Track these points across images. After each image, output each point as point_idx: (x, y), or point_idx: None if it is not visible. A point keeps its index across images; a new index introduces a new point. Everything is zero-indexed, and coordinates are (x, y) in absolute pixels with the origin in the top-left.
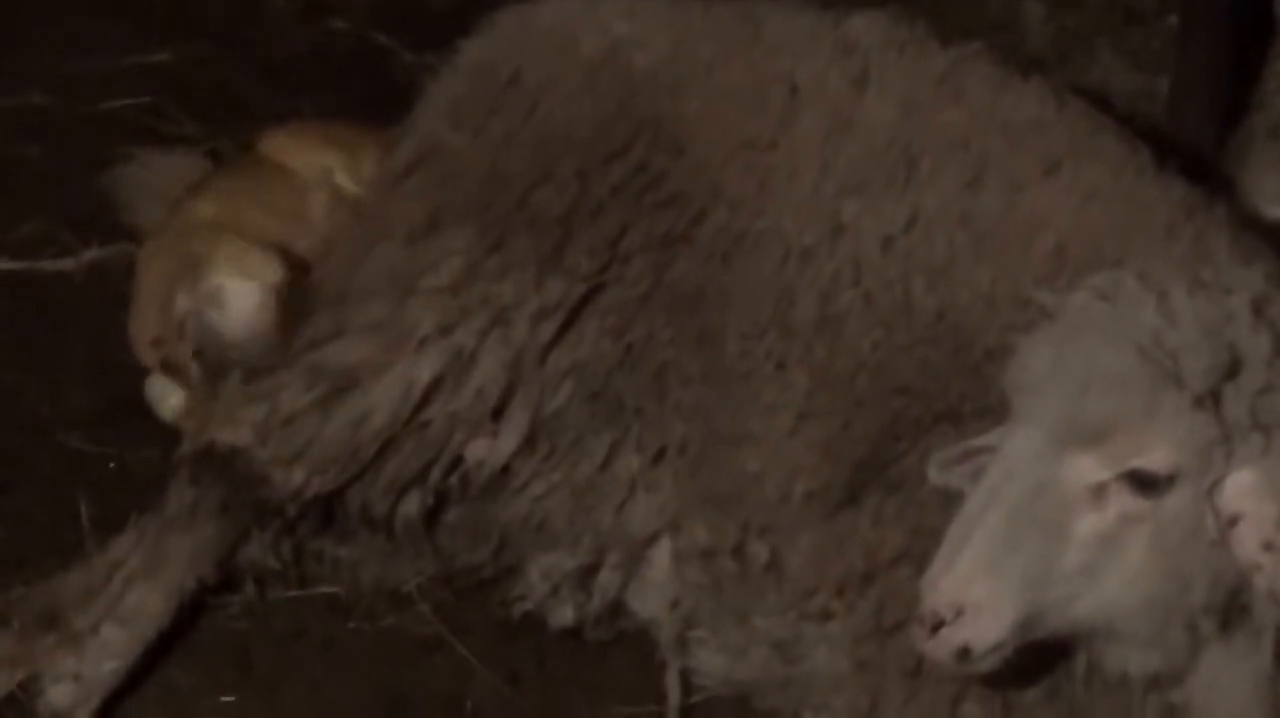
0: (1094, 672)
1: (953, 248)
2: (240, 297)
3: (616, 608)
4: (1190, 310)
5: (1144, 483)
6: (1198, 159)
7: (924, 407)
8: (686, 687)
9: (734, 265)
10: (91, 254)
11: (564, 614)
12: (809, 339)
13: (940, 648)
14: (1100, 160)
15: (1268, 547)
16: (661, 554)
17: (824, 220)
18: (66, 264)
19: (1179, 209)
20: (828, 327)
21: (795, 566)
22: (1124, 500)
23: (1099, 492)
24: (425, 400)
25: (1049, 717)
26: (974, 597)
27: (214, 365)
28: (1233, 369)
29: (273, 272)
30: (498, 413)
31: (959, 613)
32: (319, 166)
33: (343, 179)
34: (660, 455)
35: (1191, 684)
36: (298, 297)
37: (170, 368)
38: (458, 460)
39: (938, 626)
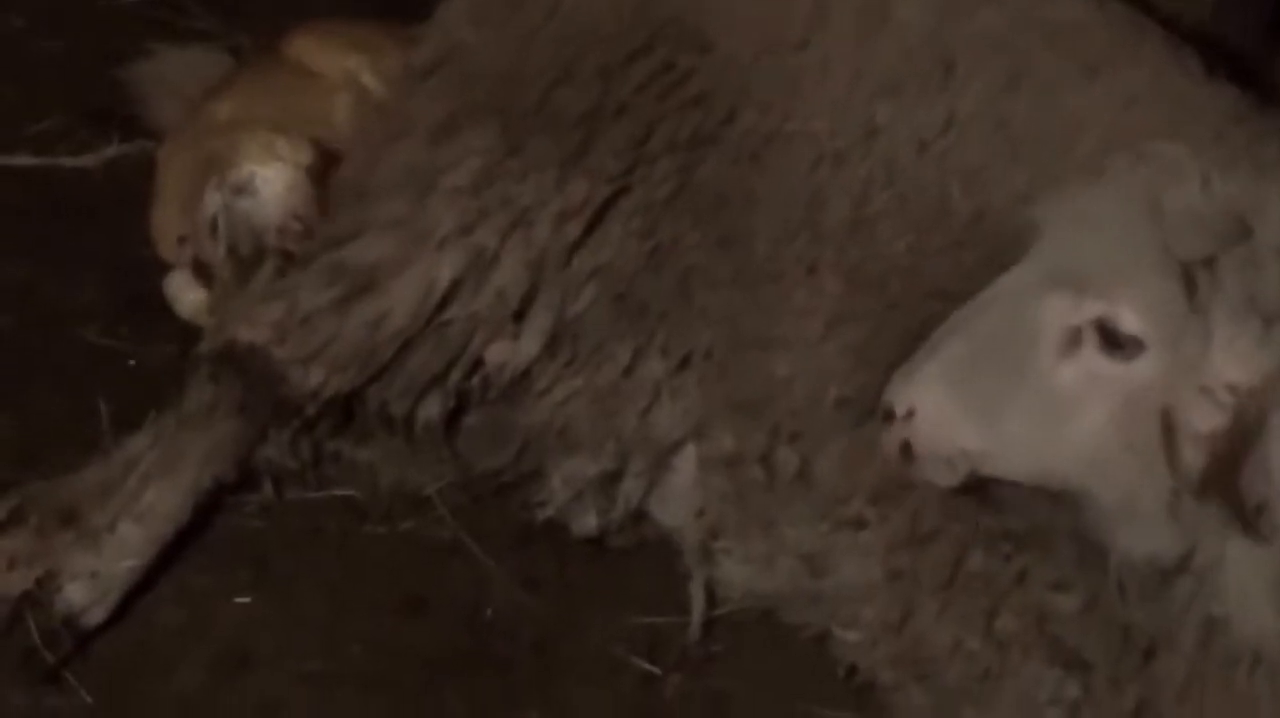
0: (1128, 580)
1: (989, 151)
2: (272, 181)
3: (639, 516)
4: (1223, 191)
5: (1110, 340)
6: (1246, 66)
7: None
8: (710, 599)
9: (763, 167)
10: (111, 151)
11: (586, 521)
12: (841, 242)
13: (887, 441)
14: (1143, 64)
15: None
16: (686, 461)
17: (857, 123)
18: (86, 160)
19: (1227, 115)
20: (860, 230)
21: (825, 473)
22: (1093, 357)
23: (1072, 339)
24: (445, 301)
25: (1087, 627)
26: (925, 401)
27: (249, 261)
28: (1233, 247)
29: (304, 154)
30: (519, 315)
31: (909, 413)
32: (343, 69)
33: (369, 80)
34: (686, 361)
35: (1226, 593)
36: (327, 186)
37: (200, 269)
38: (478, 363)
39: (889, 419)
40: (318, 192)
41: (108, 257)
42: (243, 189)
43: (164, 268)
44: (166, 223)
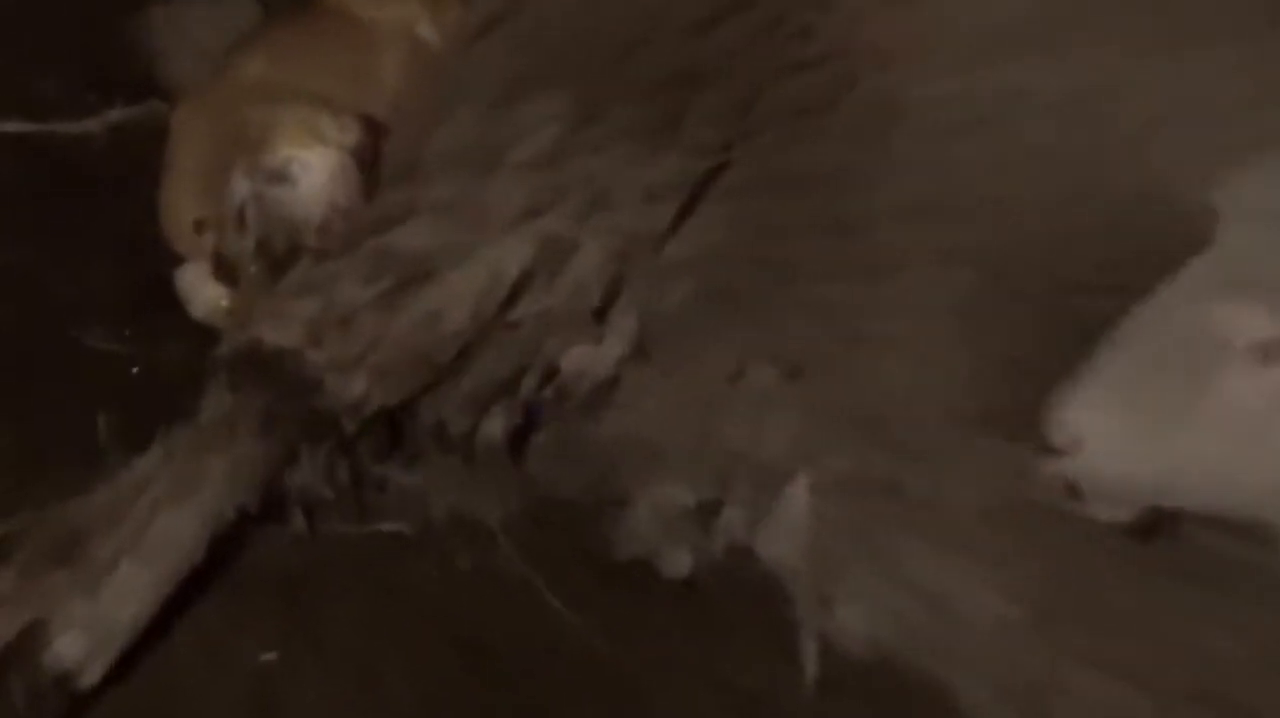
0: None
1: (1155, 119)
2: (312, 167)
3: (741, 554)
4: None
5: None
6: None
7: (1114, 306)
8: (823, 650)
9: (885, 140)
10: (115, 115)
11: (678, 559)
12: (975, 227)
13: (1049, 476)
14: None
15: None
16: (797, 489)
17: (994, 87)
18: (87, 126)
19: None
20: (998, 211)
21: (959, 500)
22: None
23: (1267, 351)
24: (513, 296)
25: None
26: (1093, 429)
27: (283, 260)
28: None
29: (348, 134)
30: (601, 313)
31: (1074, 443)
32: (395, 18)
33: (425, 33)
34: (796, 367)
35: None
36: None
37: (223, 266)
38: (552, 371)
39: (1050, 450)
40: (366, 176)
41: (109, 241)
42: (278, 176)
43: (175, 257)
44: (181, 204)
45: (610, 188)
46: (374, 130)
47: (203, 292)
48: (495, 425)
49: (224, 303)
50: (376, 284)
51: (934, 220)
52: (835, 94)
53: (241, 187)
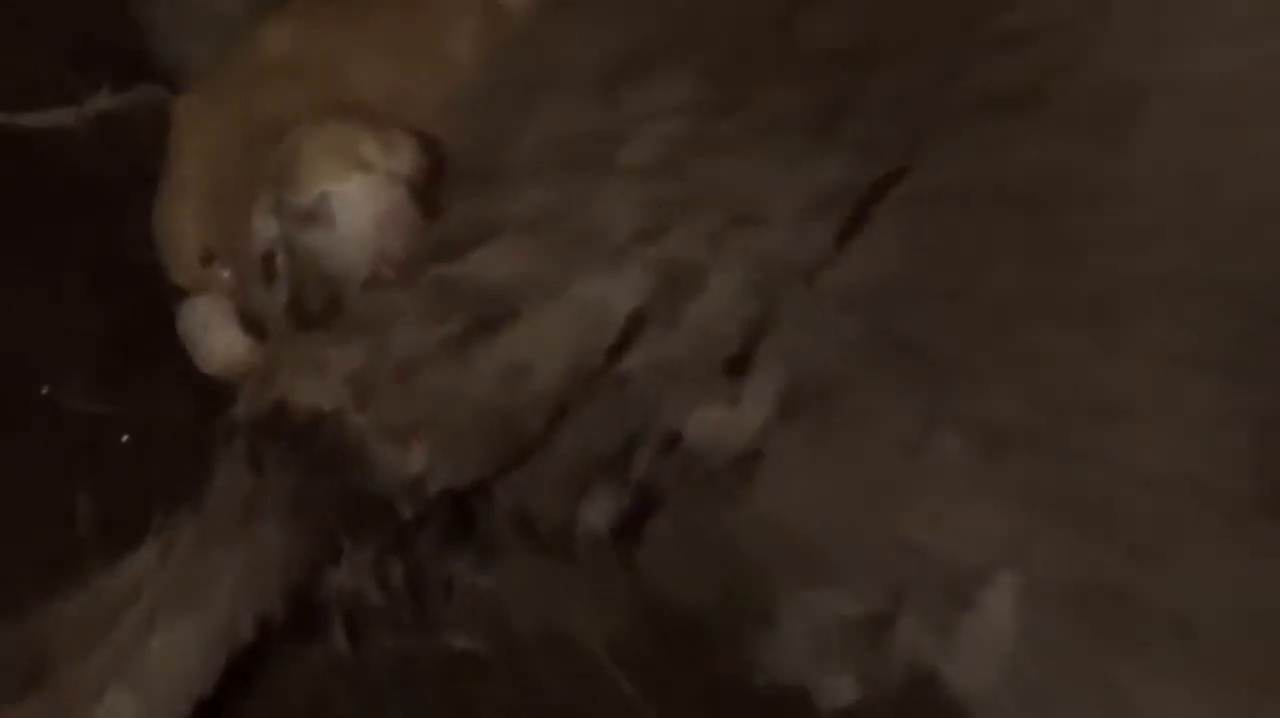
0: None
1: None
2: (355, 204)
3: (922, 680)
4: None
5: None
6: None
7: None
8: None
9: (1118, 136)
10: (99, 103)
11: (839, 688)
12: (1237, 254)
13: None
14: None
15: None
16: (998, 597)
17: (1265, 69)
18: (63, 116)
19: None
20: (1273, 231)
21: (1218, 616)
22: None
23: None
24: (623, 343)
25: None
26: None
27: (321, 316)
28: None
29: (404, 156)
30: (739, 365)
31: None
32: None
33: None
34: (996, 437)
35: None
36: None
37: (249, 321)
38: (673, 439)
39: None
40: (426, 203)
41: (91, 268)
42: (312, 217)
43: (177, 288)
44: (184, 224)
45: (752, 199)
46: (433, 146)
47: (213, 336)
48: (598, 513)
49: (241, 351)
50: (443, 326)
51: (1184, 243)
52: (1046, 80)
53: (267, 227)
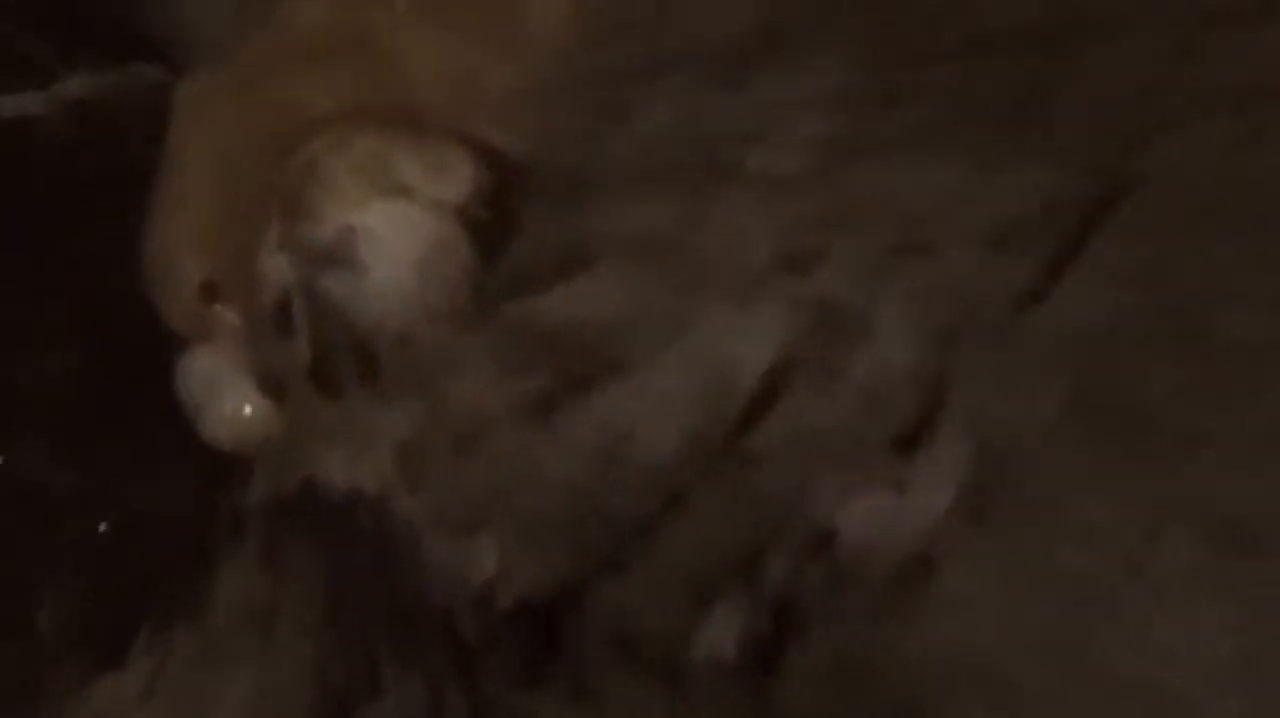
0: None
1: None
2: (389, 241)
3: None
4: None
5: None
6: None
7: None
8: None
9: None
10: (77, 85)
11: None
12: None
13: None
14: None
15: None
16: None
17: None
18: (29, 103)
19: None
20: None
21: None
22: None
23: None
24: (757, 409)
25: None
26: None
27: (349, 379)
28: None
29: (455, 178)
30: (909, 439)
31: None
32: None
33: None
34: (1246, 536)
35: None
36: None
37: (267, 377)
38: (822, 538)
39: None
40: (490, 230)
41: (59, 294)
42: (333, 257)
43: (173, 335)
44: (182, 249)
45: (926, 221)
46: (499, 160)
47: (220, 396)
48: (722, 632)
49: (256, 416)
50: (519, 384)
51: None
52: None
53: (279, 268)
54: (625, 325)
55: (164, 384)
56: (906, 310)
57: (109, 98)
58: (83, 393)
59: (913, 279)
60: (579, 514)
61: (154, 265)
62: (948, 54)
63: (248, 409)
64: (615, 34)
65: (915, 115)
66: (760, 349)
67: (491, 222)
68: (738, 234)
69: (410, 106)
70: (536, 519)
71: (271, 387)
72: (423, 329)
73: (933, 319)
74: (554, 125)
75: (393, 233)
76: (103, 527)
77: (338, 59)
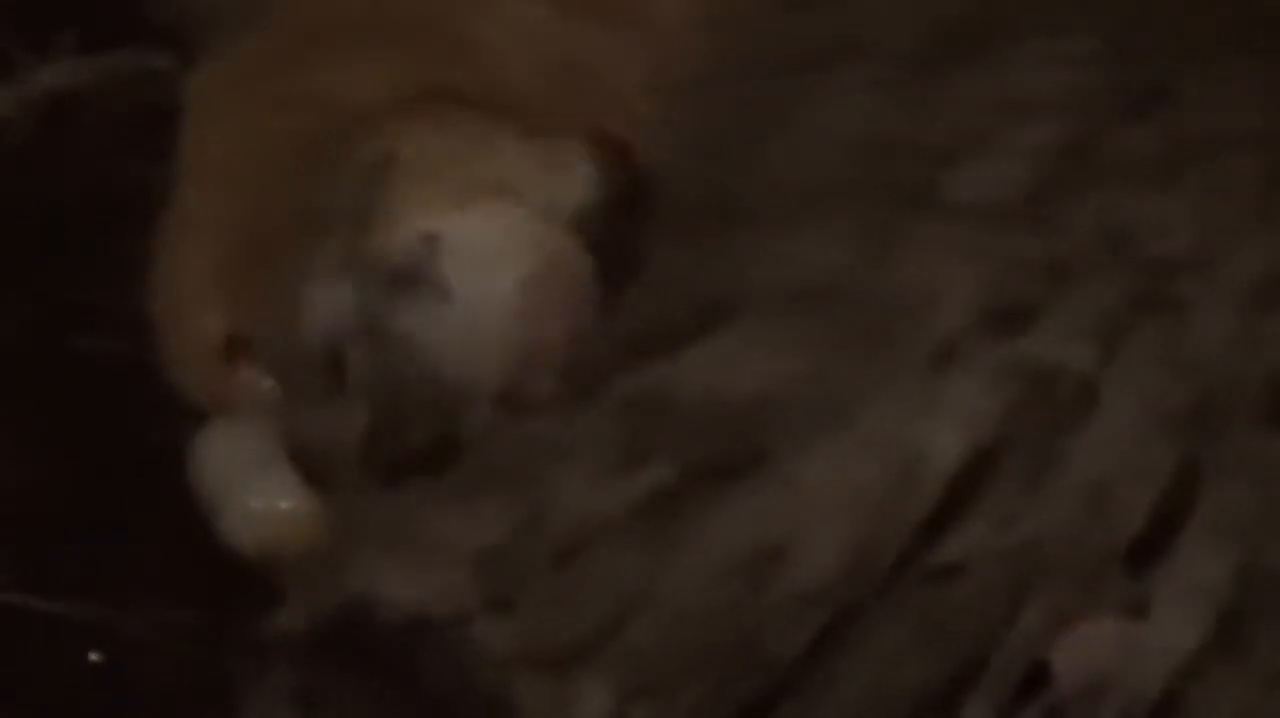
0: None
1: None
2: (485, 256)
3: None
4: None
5: None
6: None
7: None
8: None
9: None
10: (55, 74)
11: None
12: None
13: None
14: None
15: None
16: None
17: None
18: None
19: None
20: None
21: None
22: None
23: None
24: (950, 509)
25: None
26: None
27: (423, 452)
28: None
29: (571, 179)
30: (1148, 547)
31: None
32: None
33: None
34: None
35: None
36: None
37: (306, 460)
38: (1035, 675)
39: None
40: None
41: (30, 346)
42: (408, 280)
43: (190, 407)
44: (196, 290)
45: (1175, 269)
46: (624, 162)
47: (245, 487)
48: None
49: (292, 512)
50: (638, 479)
51: None
52: None
53: (333, 301)
54: (777, 401)
55: (171, 472)
56: (1145, 383)
57: (95, 91)
58: (63, 483)
59: (1154, 343)
60: (715, 648)
61: (160, 312)
62: (1204, 53)
63: (283, 504)
64: (767, 27)
65: (1159, 132)
66: (955, 431)
67: (611, 244)
68: (929, 280)
69: (497, 96)
70: (659, 654)
71: (314, 471)
72: (525, 380)
73: (1178, 395)
74: (687, 138)
75: (490, 243)
76: (93, 656)
77: (394, 40)
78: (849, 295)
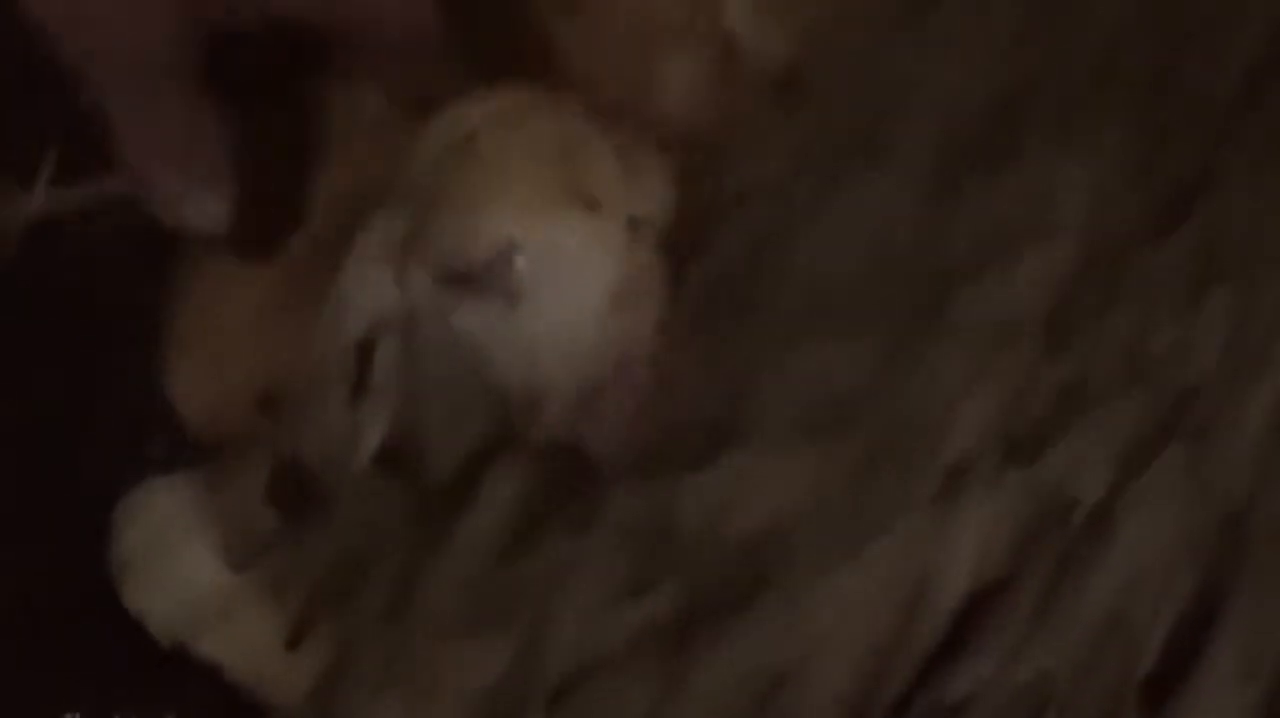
0: None
1: None
2: (572, 270)
3: None
4: None
5: None
6: None
7: None
8: None
9: None
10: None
11: None
12: None
13: None
14: None
15: None
16: None
17: None
18: None
19: None
20: None
21: None
22: None
23: None
24: (961, 637)
25: None
26: None
27: (455, 479)
28: None
29: (651, 189)
30: (1166, 678)
31: None
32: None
33: (741, 23)
34: None
35: None
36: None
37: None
38: None
39: None
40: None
41: (43, 421)
42: (482, 284)
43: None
44: (228, 347)
45: (1200, 392)
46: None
47: (162, 558)
48: None
49: (206, 584)
50: (638, 605)
51: None
52: None
53: (381, 282)
54: (784, 530)
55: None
56: (1162, 510)
57: (76, 219)
58: (65, 586)
59: (1173, 470)
60: None
61: (179, 373)
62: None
63: (197, 578)
64: (780, 126)
65: (1205, 243)
66: (964, 562)
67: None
68: (943, 402)
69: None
70: None
71: (237, 545)
72: (619, 405)
73: (1198, 518)
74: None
75: (573, 253)
76: None
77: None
78: (860, 416)
